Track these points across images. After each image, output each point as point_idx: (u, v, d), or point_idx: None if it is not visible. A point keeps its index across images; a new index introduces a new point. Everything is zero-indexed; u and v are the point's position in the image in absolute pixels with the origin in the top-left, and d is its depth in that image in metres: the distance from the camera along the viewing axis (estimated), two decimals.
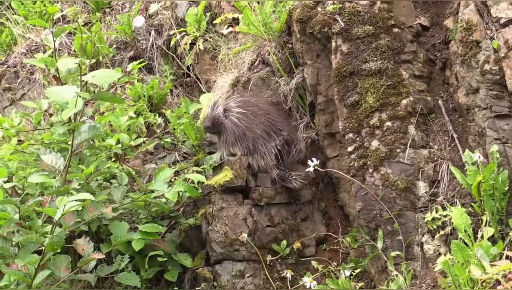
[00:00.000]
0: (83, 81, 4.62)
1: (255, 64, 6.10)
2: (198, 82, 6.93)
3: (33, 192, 5.08)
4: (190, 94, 7.02)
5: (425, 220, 4.86)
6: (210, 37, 6.78)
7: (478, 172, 4.59)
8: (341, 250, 5.50)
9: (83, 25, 7.56)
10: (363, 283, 5.12)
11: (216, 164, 5.66)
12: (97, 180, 5.46)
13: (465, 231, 4.43)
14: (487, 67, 4.77)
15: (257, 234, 5.44)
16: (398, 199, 5.00)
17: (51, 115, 5.98)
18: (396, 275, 4.75)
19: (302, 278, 5.04)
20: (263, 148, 5.55)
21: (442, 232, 4.78)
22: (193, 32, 6.83)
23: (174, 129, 6.32)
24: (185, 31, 6.91)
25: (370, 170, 5.11)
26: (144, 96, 6.66)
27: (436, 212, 4.83)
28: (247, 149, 5.56)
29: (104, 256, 4.92)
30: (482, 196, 4.58)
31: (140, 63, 6.61)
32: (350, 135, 5.24)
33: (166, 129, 6.43)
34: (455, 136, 5.12)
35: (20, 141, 5.76)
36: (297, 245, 5.42)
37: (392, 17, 5.35)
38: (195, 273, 5.55)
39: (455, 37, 5.15)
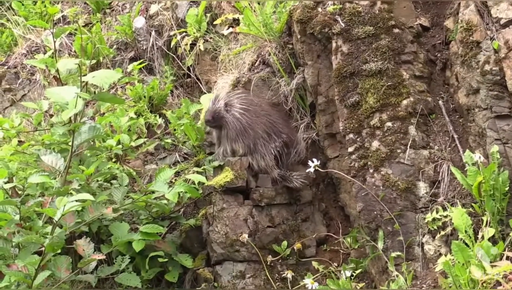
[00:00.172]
0: (83, 81, 4.62)
1: (256, 64, 6.10)
2: (199, 83, 6.93)
3: (34, 193, 5.08)
4: (190, 94, 7.02)
5: (426, 221, 4.86)
6: (211, 38, 6.78)
7: (479, 173, 4.59)
8: (341, 251, 5.50)
9: (83, 26, 7.56)
10: (364, 283, 5.12)
11: (218, 161, 5.64)
12: (97, 180, 5.46)
13: (466, 231, 4.43)
14: (487, 67, 4.78)
15: (257, 235, 5.44)
16: (398, 199, 4.99)
17: (51, 116, 5.99)
18: (397, 276, 4.75)
19: (303, 279, 5.04)
20: (263, 149, 5.55)
21: (442, 233, 4.78)
22: (194, 33, 6.83)
23: (175, 129, 6.32)
24: (186, 31, 6.91)
25: (371, 171, 5.11)
26: (144, 96, 6.66)
27: (437, 212, 4.82)
28: (248, 147, 5.55)
29: (104, 257, 4.91)
30: (483, 197, 4.58)
31: (140, 64, 6.62)
32: (351, 135, 5.24)
33: (166, 130, 6.43)
34: (455, 136, 5.12)
35: (20, 142, 5.76)
36: (297, 245, 5.42)
37: (392, 18, 5.35)
38: (196, 273, 5.55)
39: (455, 37, 5.15)
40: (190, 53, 6.88)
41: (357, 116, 5.23)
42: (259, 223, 5.47)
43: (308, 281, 4.86)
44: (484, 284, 3.95)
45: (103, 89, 4.82)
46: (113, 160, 6.08)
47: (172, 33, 7.04)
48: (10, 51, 7.77)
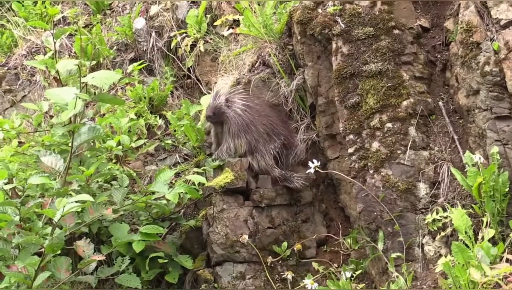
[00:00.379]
0: (83, 82, 4.62)
1: (256, 65, 6.10)
2: (199, 84, 6.93)
3: (34, 194, 5.08)
4: (190, 95, 7.02)
5: (426, 222, 4.86)
6: (211, 39, 6.79)
7: (479, 174, 4.59)
8: (341, 252, 5.50)
9: (83, 27, 7.56)
10: (364, 284, 5.12)
11: (220, 159, 5.63)
12: (97, 181, 5.46)
13: (466, 232, 4.42)
14: (487, 68, 4.78)
15: (257, 236, 5.44)
16: (398, 200, 4.99)
17: (51, 117, 5.99)
18: (397, 277, 4.75)
19: (303, 280, 5.04)
20: (263, 148, 5.56)
21: (442, 234, 4.78)
22: (194, 34, 6.83)
23: (175, 130, 6.32)
24: (186, 32, 6.91)
25: (371, 172, 5.11)
26: (144, 97, 6.66)
27: (437, 213, 4.83)
28: (250, 144, 5.55)
29: (104, 258, 4.91)
30: (483, 198, 4.58)
31: (140, 65, 6.62)
32: (351, 136, 5.24)
33: (166, 131, 6.43)
34: (455, 137, 5.12)
35: (20, 143, 5.77)
36: (297, 246, 5.41)
37: (392, 19, 5.35)
38: (196, 274, 5.55)
39: (455, 38, 5.16)
40: (190, 54, 6.88)
41: (357, 117, 5.23)
42: (259, 224, 5.47)
43: (308, 281, 4.86)
44: (484, 285, 3.95)
45: (103, 90, 4.82)
46: (113, 161, 6.08)
47: (172, 34, 7.05)
48: (10, 52, 7.77)
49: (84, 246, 4.81)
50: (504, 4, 4.81)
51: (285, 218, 5.56)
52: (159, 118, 6.56)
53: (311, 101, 5.80)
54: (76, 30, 7.17)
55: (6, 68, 7.57)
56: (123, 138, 5.80)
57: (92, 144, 5.41)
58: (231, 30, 6.54)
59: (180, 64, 7.06)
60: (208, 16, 6.88)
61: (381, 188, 5.04)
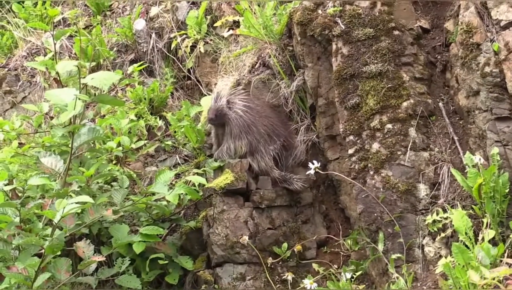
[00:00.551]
0: (82, 83, 4.62)
1: (256, 66, 6.10)
2: (199, 85, 6.94)
3: (34, 195, 5.08)
4: (190, 96, 7.02)
5: (426, 223, 4.86)
6: (211, 40, 6.79)
7: (479, 175, 4.59)
8: (342, 253, 5.50)
9: (84, 28, 7.56)
10: (364, 285, 5.12)
11: (220, 159, 5.63)
12: (97, 182, 5.46)
13: (466, 233, 4.42)
14: (487, 69, 4.78)
15: (258, 237, 5.44)
16: (398, 201, 4.99)
17: (51, 118, 5.99)
18: (397, 278, 4.75)
19: (303, 281, 5.03)
20: (263, 149, 5.56)
21: (443, 235, 4.78)
22: (194, 35, 6.84)
23: (175, 131, 6.33)
24: (186, 34, 6.92)
25: (371, 173, 5.11)
26: (145, 99, 6.67)
27: (437, 214, 4.82)
28: (250, 144, 5.55)
29: (104, 259, 4.92)
30: (483, 199, 4.58)
31: (140, 66, 6.62)
32: (351, 137, 5.24)
33: (167, 132, 6.44)
34: (455, 138, 5.12)
35: (21, 144, 5.77)
36: (298, 247, 5.41)
37: (392, 20, 5.35)
38: (196, 275, 5.55)
39: (455, 39, 5.16)
40: (190, 55, 6.89)
41: (357, 118, 5.23)
42: (260, 225, 5.47)
43: (307, 282, 4.86)
44: (484, 287, 3.94)
45: (103, 91, 4.82)
46: (114, 162, 6.09)
47: (172, 35, 7.05)
48: (11, 53, 7.78)
49: (84, 247, 4.82)
50: (504, 5, 4.81)
51: (285, 219, 5.56)
52: (159, 119, 6.56)
53: (311, 102, 5.80)
54: (76, 32, 7.17)
55: (6, 69, 7.58)
56: (123, 139, 5.80)
57: (92, 145, 5.41)
58: (231, 31, 6.55)
59: (180, 65, 7.06)
60: (208, 17, 6.88)
61: (381, 189, 5.04)
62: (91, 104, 6.20)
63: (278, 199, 5.56)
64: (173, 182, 5.97)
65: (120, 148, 5.73)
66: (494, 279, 3.92)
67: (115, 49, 7.40)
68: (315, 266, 5.34)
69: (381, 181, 5.06)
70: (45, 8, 7.64)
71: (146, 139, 6.25)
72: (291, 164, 5.73)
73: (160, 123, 6.48)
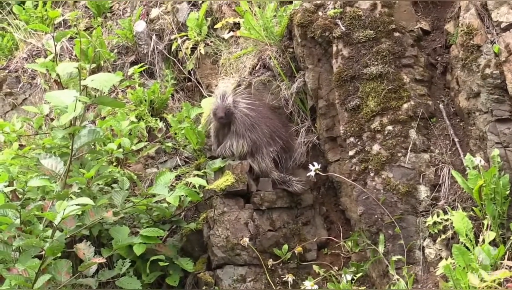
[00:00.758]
0: (82, 85, 4.62)
1: (256, 68, 6.10)
2: (199, 87, 6.94)
3: (34, 197, 5.09)
4: (191, 98, 7.02)
5: (427, 224, 4.86)
6: (211, 42, 6.79)
7: (479, 176, 4.59)
8: (342, 255, 5.50)
9: (84, 30, 7.57)
10: (365, 287, 5.11)
11: (223, 156, 5.63)
12: (98, 184, 5.46)
13: (467, 235, 4.42)
14: (488, 71, 4.78)
15: (258, 239, 5.44)
16: (399, 203, 4.99)
17: (52, 119, 5.99)
18: (398, 279, 4.75)
19: (304, 283, 5.03)
20: (264, 150, 5.56)
21: (443, 236, 4.78)
22: (194, 37, 6.84)
23: (176, 133, 6.33)
24: (186, 35, 6.92)
25: (371, 174, 5.11)
26: (145, 100, 6.67)
27: (438, 216, 4.82)
28: (253, 143, 5.55)
29: (105, 261, 4.92)
30: (483, 200, 4.58)
31: (141, 67, 6.62)
32: (351, 139, 5.24)
33: (167, 134, 6.44)
34: (456, 140, 5.12)
35: (21, 146, 5.77)
36: (298, 249, 5.41)
37: (393, 22, 5.35)
38: (197, 277, 5.54)
39: (456, 41, 5.16)
40: (190, 57, 6.89)
41: (358, 120, 5.23)
42: (260, 226, 5.47)
43: (308, 283, 4.86)
44: (485, 289, 3.94)
45: (104, 92, 4.82)
46: (114, 163, 6.09)
47: (173, 37, 7.06)
48: (11, 55, 7.78)
49: (84, 249, 4.81)
50: (504, 7, 4.81)
51: (285, 221, 5.55)
52: (160, 121, 6.56)
53: (311, 104, 5.79)
54: (76, 33, 7.18)
55: (7, 71, 7.58)
56: (123, 141, 5.80)
57: (92, 147, 5.42)
58: (231, 33, 6.55)
59: (181, 67, 7.06)
60: (209, 19, 6.89)
61: (382, 191, 5.04)
62: (91, 106, 6.21)
63: (278, 200, 5.56)
64: (174, 184, 5.98)
65: (121, 149, 5.73)
66: (494, 281, 3.92)
67: (115, 51, 7.40)
68: (315, 267, 5.34)
69: (381, 183, 5.06)
70: (46, 10, 7.65)
71: (146, 141, 6.25)
72: (292, 166, 5.73)
73: (161, 124, 6.48)
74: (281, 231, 5.51)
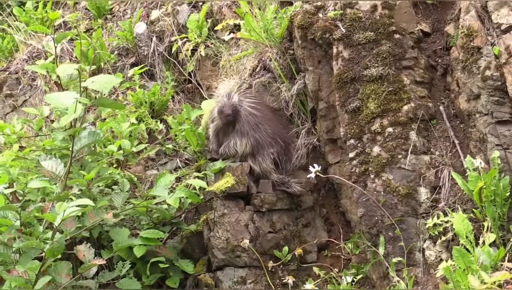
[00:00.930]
0: (83, 87, 4.62)
1: (257, 70, 6.10)
2: (200, 89, 6.93)
3: (34, 198, 5.08)
4: (191, 100, 7.02)
5: (427, 226, 4.86)
6: (212, 43, 6.79)
7: (480, 178, 4.59)
8: (342, 256, 5.50)
9: (84, 32, 7.57)
10: (365, 289, 5.12)
11: (227, 153, 5.63)
12: (98, 186, 5.46)
13: (467, 237, 4.42)
14: (488, 73, 4.77)
15: (258, 240, 5.44)
16: (399, 205, 4.99)
17: (52, 121, 6.00)
18: (398, 281, 4.75)
19: (304, 284, 5.03)
20: (265, 151, 5.56)
21: (443, 238, 4.78)
22: (195, 39, 6.83)
23: (176, 135, 6.33)
24: (187, 37, 6.91)
25: (372, 176, 5.11)
26: (145, 102, 6.67)
27: (438, 218, 4.82)
28: (256, 141, 5.54)
29: (105, 262, 4.92)
30: (484, 202, 4.58)
31: (141, 69, 6.62)
32: (352, 141, 5.24)
33: (167, 136, 6.44)
34: (456, 142, 5.12)
35: (21, 147, 5.77)
36: (298, 251, 5.41)
37: (393, 23, 5.35)
38: (197, 279, 5.54)
39: (456, 43, 5.16)
40: (191, 59, 6.88)
41: (358, 122, 5.23)
42: (260, 228, 5.47)
43: (308, 286, 4.86)
44: None
45: (104, 94, 4.82)
46: (114, 165, 6.08)
47: (173, 38, 7.05)
48: (11, 57, 7.78)
49: (84, 251, 4.81)
50: (504, 9, 4.81)
51: (286, 222, 5.55)
52: (160, 123, 6.56)
53: (312, 106, 5.79)
54: (77, 35, 7.17)
55: (7, 72, 7.57)
56: (124, 143, 5.81)
57: (93, 148, 5.41)
58: (232, 35, 6.55)
59: (181, 69, 7.06)
60: (209, 20, 6.88)
61: (382, 193, 5.04)
62: (91, 108, 6.21)
63: (278, 202, 5.56)
64: (174, 186, 5.97)
65: (121, 151, 5.73)
66: (494, 283, 3.92)
67: (115, 52, 7.40)
68: (315, 269, 5.34)
69: (381, 185, 5.06)
70: (46, 12, 7.64)
71: (146, 143, 6.25)
72: (292, 167, 5.73)
73: (161, 126, 6.49)
74: (281, 233, 5.51)
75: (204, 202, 5.70)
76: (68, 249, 4.80)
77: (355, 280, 5.05)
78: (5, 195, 4.91)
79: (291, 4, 6.06)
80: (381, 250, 4.93)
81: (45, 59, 7.09)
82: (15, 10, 7.90)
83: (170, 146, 6.34)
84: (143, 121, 6.53)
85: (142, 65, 6.85)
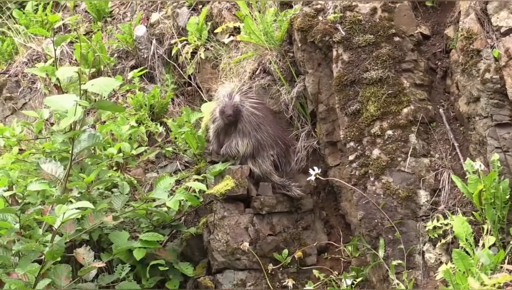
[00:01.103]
0: (83, 90, 4.62)
1: (256, 73, 6.10)
2: (200, 91, 6.93)
3: (34, 201, 5.08)
4: (191, 103, 7.02)
5: (427, 229, 4.86)
6: (212, 46, 6.79)
7: (479, 181, 4.59)
8: (342, 259, 5.49)
9: (84, 34, 7.57)
10: None
11: (229, 153, 5.63)
12: (98, 189, 5.46)
13: (466, 239, 4.42)
14: (487, 76, 4.78)
15: (258, 243, 5.43)
16: (399, 207, 4.99)
17: (52, 124, 5.99)
18: (398, 284, 4.75)
19: (304, 287, 5.03)
20: (266, 152, 5.56)
21: (443, 241, 4.78)
22: (195, 41, 6.84)
23: (176, 138, 6.33)
24: (187, 40, 6.92)
25: (371, 179, 5.11)
26: (145, 105, 6.67)
27: (437, 220, 4.82)
28: (257, 142, 5.54)
29: (105, 265, 4.92)
30: (483, 205, 4.58)
31: (141, 72, 6.62)
32: (351, 143, 5.24)
33: (167, 138, 6.44)
34: (456, 144, 5.12)
35: (21, 150, 5.77)
36: (298, 254, 5.41)
37: (393, 26, 5.36)
38: (197, 282, 5.54)
39: (455, 46, 5.16)
40: (191, 62, 6.88)
41: (358, 124, 5.23)
42: (260, 231, 5.47)
43: (308, 288, 4.86)
44: None
45: (104, 97, 4.82)
46: (114, 168, 6.09)
47: (173, 41, 7.05)
48: (11, 60, 7.78)
49: (84, 254, 4.81)
50: (504, 12, 4.81)
51: (285, 225, 5.55)
52: (160, 126, 6.56)
53: (311, 108, 5.80)
54: (76, 38, 7.18)
55: (7, 75, 7.58)
56: (123, 146, 5.80)
57: (92, 151, 5.41)
58: (231, 38, 6.55)
59: (181, 72, 7.06)
60: (209, 23, 6.88)
61: (382, 196, 5.04)
62: (91, 110, 6.20)
63: (278, 205, 5.56)
64: (174, 188, 5.97)
65: (121, 154, 5.73)
66: (494, 285, 3.92)
67: (115, 55, 7.40)
68: (315, 272, 5.34)
69: (381, 188, 5.06)
70: (46, 14, 7.65)
71: (146, 145, 6.25)
72: (292, 170, 5.73)
73: (161, 129, 6.49)
74: (281, 236, 5.51)
75: (204, 205, 5.70)
76: (68, 251, 4.80)
77: (355, 282, 5.05)
78: (5, 198, 4.91)
79: (291, 6, 6.07)
80: (381, 253, 4.93)
81: (45, 61, 7.09)
82: (15, 13, 7.90)
83: (170, 148, 6.34)
84: (143, 124, 6.53)
85: (142, 68, 6.85)
